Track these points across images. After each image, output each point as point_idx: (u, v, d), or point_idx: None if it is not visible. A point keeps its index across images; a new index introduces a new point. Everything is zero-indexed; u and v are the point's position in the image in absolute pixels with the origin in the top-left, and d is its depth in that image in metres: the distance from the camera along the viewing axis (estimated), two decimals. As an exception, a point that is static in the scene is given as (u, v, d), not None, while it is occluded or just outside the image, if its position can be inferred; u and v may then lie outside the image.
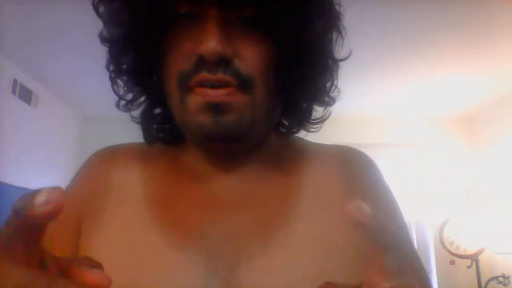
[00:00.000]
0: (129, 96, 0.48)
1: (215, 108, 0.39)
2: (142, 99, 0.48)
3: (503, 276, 2.78)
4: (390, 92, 2.91)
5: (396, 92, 2.91)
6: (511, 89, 2.79)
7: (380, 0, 1.86)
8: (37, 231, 0.22)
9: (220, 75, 0.39)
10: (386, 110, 3.23)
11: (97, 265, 0.26)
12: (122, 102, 0.48)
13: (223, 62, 0.39)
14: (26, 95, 2.66)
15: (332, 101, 0.50)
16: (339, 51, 0.48)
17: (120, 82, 0.47)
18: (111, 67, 0.46)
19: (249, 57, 0.40)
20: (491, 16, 1.98)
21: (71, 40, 2.11)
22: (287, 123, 0.51)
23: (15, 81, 2.54)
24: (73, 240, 0.45)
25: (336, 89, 0.50)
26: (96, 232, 0.44)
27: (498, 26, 2.06)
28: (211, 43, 0.37)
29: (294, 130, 0.51)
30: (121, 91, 0.48)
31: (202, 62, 0.39)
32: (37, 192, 0.22)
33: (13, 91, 2.54)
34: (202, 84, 0.39)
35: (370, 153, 0.55)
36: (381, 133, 3.32)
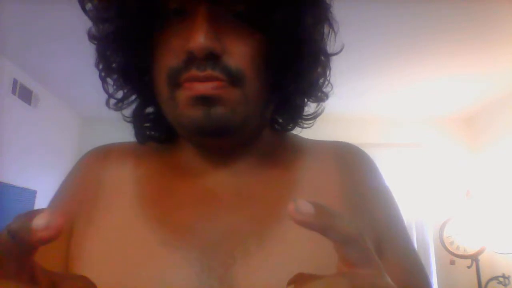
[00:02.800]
0: (120, 94, 0.47)
1: (205, 101, 0.39)
2: (133, 97, 0.48)
3: (503, 276, 2.78)
4: (390, 92, 2.91)
5: (396, 92, 2.91)
6: (511, 90, 2.79)
7: (381, 1, 1.86)
8: (31, 251, 0.22)
9: (209, 72, 0.38)
10: (386, 110, 3.23)
11: (90, 286, 0.25)
12: (112, 101, 0.48)
13: (211, 57, 0.38)
14: (26, 95, 2.66)
15: (325, 96, 0.50)
16: (332, 46, 0.48)
17: (110, 80, 0.46)
18: (100, 66, 0.45)
19: (239, 53, 0.40)
20: (492, 17, 1.98)
21: (71, 40, 2.11)
22: (280, 120, 0.51)
23: (15, 81, 2.54)
24: (65, 240, 0.44)
25: (329, 85, 0.49)
26: (89, 231, 0.43)
27: (499, 27, 2.06)
28: (199, 39, 0.37)
29: (289, 127, 0.50)
30: (111, 90, 0.47)
31: (191, 58, 0.38)
32: (34, 214, 0.21)
33: (13, 91, 2.54)
34: (192, 81, 0.39)
35: (370, 153, 0.55)
36: (381, 133, 3.32)
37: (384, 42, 2.25)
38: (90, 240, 0.43)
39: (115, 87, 0.47)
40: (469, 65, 2.47)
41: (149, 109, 0.49)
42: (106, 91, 0.47)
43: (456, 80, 2.69)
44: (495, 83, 2.72)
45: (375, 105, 3.15)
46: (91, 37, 0.44)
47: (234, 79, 0.39)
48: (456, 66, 2.50)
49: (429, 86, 2.79)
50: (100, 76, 0.46)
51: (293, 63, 0.43)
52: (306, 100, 0.49)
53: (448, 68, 2.52)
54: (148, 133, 0.49)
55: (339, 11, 0.48)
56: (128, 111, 0.49)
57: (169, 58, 0.40)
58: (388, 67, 2.53)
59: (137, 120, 0.48)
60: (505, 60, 2.39)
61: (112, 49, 0.44)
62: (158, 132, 0.50)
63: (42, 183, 2.79)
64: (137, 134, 0.49)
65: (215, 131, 0.41)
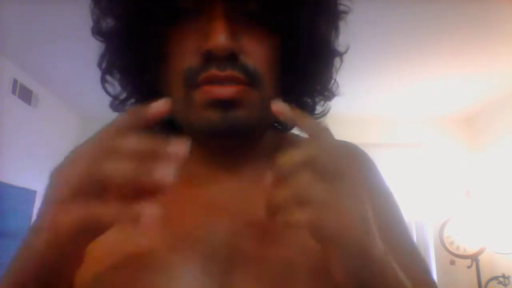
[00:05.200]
0: (122, 95, 0.46)
1: (224, 103, 0.38)
2: (134, 98, 0.47)
3: (503, 276, 2.78)
4: (391, 92, 2.91)
5: (397, 92, 2.91)
6: (511, 90, 2.79)
7: (381, 1, 1.86)
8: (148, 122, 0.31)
9: (229, 71, 0.38)
10: (386, 110, 3.23)
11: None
12: (114, 102, 0.47)
13: (231, 57, 0.37)
14: (26, 95, 2.66)
15: (332, 95, 0.49)
16: (337, 45, 0.47)
17: (111, 80, 0.45)
18: (104, 64, 0.44)
19: (256, 53, 0.39)
20: (492, 17, 1.98)
21: (71, 40, 2.11)
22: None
23: (15, 81, 2.54)
24: None
25: (335, 83, 0.49)
26: None
27: (499, 27, 2.06)
28: (220, 38, 0.36)
29: (290, 126, 0.50)
30: (113, 91, 0.46)
31: (210, 58, 0.37)
32: (146, 106, 0.30)
33: (13, 91, 2.54)
34: (211, 82, 0.38)
35: (370, 153, 0.55)
36: (381, 133, 3.32)
37: (384, 42, 2.25)
38: (94, 241, 0.42)
39: (118, 85, 0.46)
40: (469, 65, 2.47)
41: None
42: (107, 92, 0.46)
43: (456, 80, 2.69)
44: (495, 83, 2.72)
45: (375, 105, 3.15)
46: (96, 33, 0.43)
47: (252, 79, 0.39)
48: (456, 66, 2.50)
49: (429, 86, 2.79)
50: (102, 73, 0.45)
51: (308, 63, 0.42)
52: (315, 99, 0.49)
53: (448, 68, 2.52)
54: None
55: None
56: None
57: (185, 58, 0.39)
58: (388, 67, 2.53)
59: None
60: (505, 60, 2.39)
61: (118, 47, 0.43)
62: (161, 132, 0.48)
63: (42, 183, 2.78)
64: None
65: (231, 133, 0.41)
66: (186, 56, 0.40)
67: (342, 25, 0.46)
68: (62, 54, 2.36)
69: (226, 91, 0.38)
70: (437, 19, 2.01)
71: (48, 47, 2.30)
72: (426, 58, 2.41)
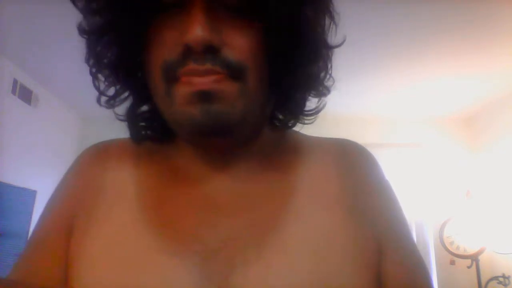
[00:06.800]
0: (112, 91, 0.45)
1: (204, 96, 0.37)
2: (126, 95, 0.46)
3: (503, 276, 2.78)
4: (391, 92, 2.91)
5: (397, 92, 2.91)
6: (511, 90, 2.79)
7: (381, 0, 1.86)
8: None
9: (208, 66, 0.36)
10: (386, 110, 3.23)
11: None
12: (104, 99, 0.46)
13: (210, 50, 0.36)
14: (26, 95, 2.66)
15: (327, 91, 0.48)
16: (333, 40, 0.46)
17: (101, 77, 0.44)
18: (91, 61, 0.43)
19: (239, 45, 0.38)
20: (492, 17, 1.98)
21: (71, 40, 2.10)
22: (281, 117, 0.49)
23: (15, 81, 2.54)
24: (65, 240, 0.44)
25: (331, 78, 0.47)
26: (88, 233, 0.43)
27: (499, 27, 2.06)
28: (197, 31, 0.35)
29: (290, 124, 0.49)
30: (103, 87, 0.45)
31: (188, 52, 0.36)
32: None
33: (13, 91, 2.54)
34: (190, 74, 0.37)
35: (370, 153, 0.55)
36: (381, 133, 3.32)
37: (384, 42, 2.25)
38: (91, 241, 0.42)
39: (106, 83, 0.45)
40: (469, 65, 2.47)
41: (144, 107, 0.47)
42: (96, 88, 0.45)
43: (456, 80, 2.69)
44: (495, 83, 2.72)
45: (375, 105, 3.15)
46: (81, 31, 0.42)
47: (235, 72, 0.38)
48: (456, 66, 2.50)
49: (429, 86, 2.79)
50: (90, 72, 0.44)
51: (292, 55, 0.41)
52: (307, 94, 0.47)
53: (448, 68, 2.52)
54: (144, 132, 0.48)
55: (338, 10, 0.47)
56: (121, 109, 0.47)
57: (164, 52, 0.39)
58: (388, 67, 2.53)
59: (132, 119, 0.47)
60: (505, 60, 2.39)
61: (103, 44, 0.42)
62: (155, 131, 0.48)
63: (42, 183, 2.79)
64: (133, 133, 0.47)
65: (214, 129, 0.40)
66: (165, 50, 0.38)
67: (337, 17, 0.45)
68: (62, 54, 2.36)
69: (205, 80, 0.37)
70: (437, 19, 2.01)
71: (48, 47, 2.30)
72: (426, 58, 2.41)
